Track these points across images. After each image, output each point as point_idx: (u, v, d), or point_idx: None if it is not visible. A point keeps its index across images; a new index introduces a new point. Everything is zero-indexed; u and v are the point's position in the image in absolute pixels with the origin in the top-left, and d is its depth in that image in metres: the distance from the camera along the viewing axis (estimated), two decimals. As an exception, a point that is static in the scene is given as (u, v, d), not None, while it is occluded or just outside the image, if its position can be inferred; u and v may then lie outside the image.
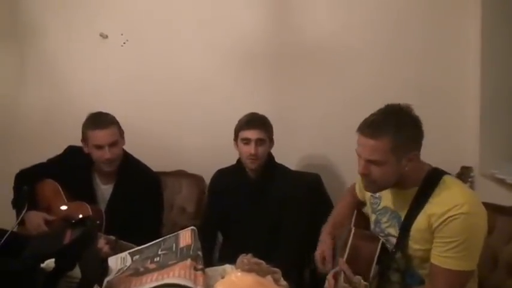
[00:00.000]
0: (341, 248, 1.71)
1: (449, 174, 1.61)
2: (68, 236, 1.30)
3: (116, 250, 1.66)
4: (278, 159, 2.36)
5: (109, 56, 2.98)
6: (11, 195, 2.27)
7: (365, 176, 1.58)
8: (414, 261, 1.61)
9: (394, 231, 1.64)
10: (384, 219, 1.69)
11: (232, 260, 1.43)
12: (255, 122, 2.25)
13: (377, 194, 1.73)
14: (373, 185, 1.61)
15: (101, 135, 2.17)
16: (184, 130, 2.93)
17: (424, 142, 1.57)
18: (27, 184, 2.09)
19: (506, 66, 2.30)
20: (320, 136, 2.75)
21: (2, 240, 1.25)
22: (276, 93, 2.80)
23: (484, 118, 2.36)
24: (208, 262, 1.51)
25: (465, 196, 1.49)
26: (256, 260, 1.39)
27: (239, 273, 1.32)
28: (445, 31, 2.53)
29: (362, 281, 1.44)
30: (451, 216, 1.46)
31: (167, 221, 2.52)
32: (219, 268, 1.44)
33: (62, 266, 1.09)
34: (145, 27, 2.92)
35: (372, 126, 1.52)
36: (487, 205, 1.55)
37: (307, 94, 2.75)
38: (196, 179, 2.81)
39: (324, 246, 1.86)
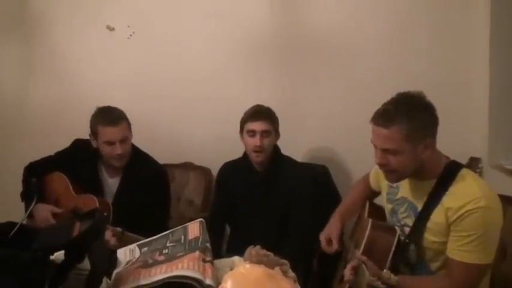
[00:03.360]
0: (358, 239, 1.70)
1: (467, 167, 1.60)
2: (77, 228, 1.30)
3: (122, 242, 1.66)
4: (285, 152, 2.35)
5: (116, 49, 2.97)
6: (20, 188, 2.29)
7: (383, 166, 1.58)
8: (427, 254, 1.60)
9: (411, 221, 1.64)
10: (402, 210, 1.69)
11: (240, 252, 1.43)
12: (261, 113, 2.24)
13: (394, 184, 1.73)
14: (393, 175, 1.60)
15: (113, 132, 2.17)
16: (191, 122, 2.93)
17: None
18: (36, 177, 2.11)
19: (516, 56, 2.27)
20: (327, 129, 2.74)
21: (12, 233, 1.26)
22: (283, 86, 2.79)
23: (493, 109, 2.34)
24: (217, 254, 1.51)
25: (482, 190, 1.49)
26: (264, 251, 1.39)
27: (248, 265, 1.32)
28: (454, 22, 2.51)
29: (392, 275, 1.43)
30: (468, 211, 1.45)
31: (175, 213, 2.53)
32: (228, 260, 1.44)
33: (71, 258, 1.09)
34: (151, 19, 2.92)
35: (384, 116, 1.53)
36: (495, 196, 1.54)
37: (314, 86, 2.74)
38: (204, 171, 2.82)
39: (331, 227, 1.87)
